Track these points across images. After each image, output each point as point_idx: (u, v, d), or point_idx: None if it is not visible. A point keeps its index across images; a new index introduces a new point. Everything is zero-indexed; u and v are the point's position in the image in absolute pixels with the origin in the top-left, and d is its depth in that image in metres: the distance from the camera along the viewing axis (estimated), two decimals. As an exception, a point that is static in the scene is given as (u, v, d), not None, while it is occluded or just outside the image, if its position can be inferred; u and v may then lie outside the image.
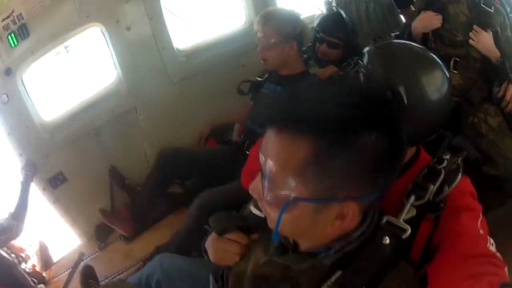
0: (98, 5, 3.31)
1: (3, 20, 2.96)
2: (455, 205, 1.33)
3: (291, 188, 1.00)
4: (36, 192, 3.40)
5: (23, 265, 3.15)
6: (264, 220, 1.19)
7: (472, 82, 2.83)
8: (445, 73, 1.45)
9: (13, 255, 3.06)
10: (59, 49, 3.70)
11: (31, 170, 3.28)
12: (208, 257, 1.51)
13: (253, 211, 1.44)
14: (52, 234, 3.84)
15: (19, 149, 3.30)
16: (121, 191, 3.66)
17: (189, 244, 2.58)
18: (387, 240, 1.09)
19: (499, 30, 2.76)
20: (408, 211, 1.26)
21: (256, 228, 1.39)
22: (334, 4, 3.96)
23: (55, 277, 3.39)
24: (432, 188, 1.33)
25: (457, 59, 2.80)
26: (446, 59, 2.73)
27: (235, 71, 3.87)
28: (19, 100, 3.18)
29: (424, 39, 2.88)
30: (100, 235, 3.57)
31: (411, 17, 3.19)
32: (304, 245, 1.18)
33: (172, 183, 3.56)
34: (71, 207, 3.58)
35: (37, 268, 3.37)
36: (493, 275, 1.08)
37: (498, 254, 1.18)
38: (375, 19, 3.77)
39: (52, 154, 3.40)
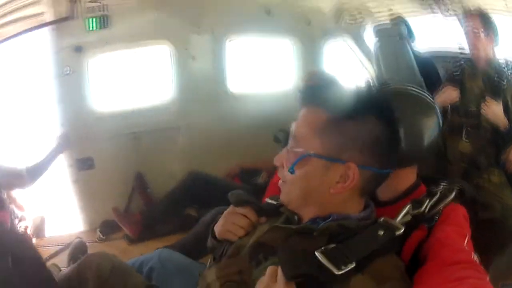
0: (175, 28, 3.64)
1: (90, 1, 3.23)
2: (447, 219, 1.45)
3: (309, 144, 1.26)
4: (60, 166, 3.52)
5: (16, 221, 3.18)
6: (275, 209, 1.46)
7: (482, 150, 2.96)
8: (433, 107, 1.65)
9: (11, 206, 3.09)
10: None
11: (65, 142, 3.43)
12: (213, 239, 1.59)
13: (267, 200, 1.57)
14: (56, 213, 3.90)
15: (62, 119, 3.48)
16: (140, 198, 3.75)
17: (195, 248, 2.56)
18: (381, 232, 1.22)
19: (509, 100, 2.90)
20: (404, 216, 1.40)
21: (267, 213, 1.50)
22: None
23: (43, 246, 3.38)
24: (427, 202, 1.49)
25: (469, 129, 2.96)
26: (459, 129, 2.99)
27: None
28: (79, 78, 3.43)
29: (444, 111, 3.00)
30: (104, 229, 3.61)
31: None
32: (307, 215, 1.32)
33: (190, 205, 3.63)
34: (88, 193, 3.68)
35: (28, 232, 3.38)
36: (476, 279, 1.14)
37: (480, 265, 1.25)
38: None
39: (89, 139, 3.58)
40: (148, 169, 3.81)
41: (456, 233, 1.37)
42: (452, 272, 1.17)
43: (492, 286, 1.14)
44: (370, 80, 1.45)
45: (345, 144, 1.24)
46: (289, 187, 1.34)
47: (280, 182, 1.38)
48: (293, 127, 1.33)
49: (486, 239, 2.22)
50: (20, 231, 3.01)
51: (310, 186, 1.28)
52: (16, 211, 3.22)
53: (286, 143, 1.46)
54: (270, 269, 1.15)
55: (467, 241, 1.36)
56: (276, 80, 4.11)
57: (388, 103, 1.33)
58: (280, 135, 3.32)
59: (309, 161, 1.26)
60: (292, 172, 1.29)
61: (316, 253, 1.14)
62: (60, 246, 3.39)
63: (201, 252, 1.64)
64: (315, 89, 1.38)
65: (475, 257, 1.28)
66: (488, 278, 1.19)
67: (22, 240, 1.80)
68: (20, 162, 3.25)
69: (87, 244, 3.35)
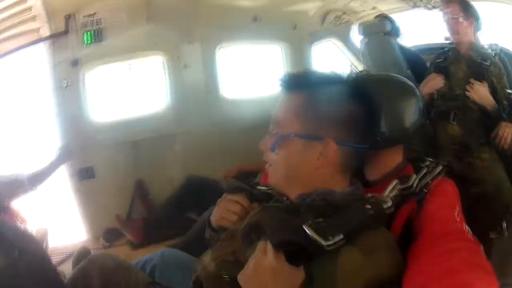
0: (166, 39, 3.78)
1: (84, 16, 3.35)
2: (435, 191, 1.50)
3: (288, 126, 1.34)
4: (62, 176, 3.60)
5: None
6: (266, 194, 1.54)
7: (470, 131, 3.00)
8: (411, 89, 1.72)
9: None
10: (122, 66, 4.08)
11: (66, 153, 3.50)
12: (211, 230, 1.66)
13: (258, 188, 1.63)
14: (59, 224, 3.96)
15: (61, 131, 3.59)
16: (142, 204, 3.84)
17: (196, 245, 2.60)
18: (369, 206, 1.25)
19: (494, 80, 2.95)
20: (391, 191, 1.40)
21: (259, 199, 1.57)
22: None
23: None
24: (415, 176, 1.53)
25: (456, 112, 3.01)
26: (447, 113, 3.04)
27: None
28: (77, 90, 3.54)
29: (431, 98, 3.07)
30: (108, 236, 3.69)
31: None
32: (293, 194, 1.38)
33: (191, 209, 3.69)
34: (89, 202, 3.77)
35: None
36: (467, 251, 1.16)
37: (471, 234, 1.27)
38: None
39: (89, 149, 3.68)
40: (147, 176, 3.91)
41: (445, 204, 1.42)
42: (442, 244, 1.20)
43: (484, 257, 1.15)
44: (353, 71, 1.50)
45: (322, 122, 1.32)
46: (274, 168, 1.40)
47: (266, 165, 1.46)
48: (274, 112, 1.41)
49: (481, 215, 2.25)
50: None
51: (293, 164, 1.35)
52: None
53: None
54: (260, 244, 1.20)
55: (458, 212, 1.38)
56: (267, 84, 4.20)
57: (361, 84, 1.43)
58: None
59: (290, 141, 1.34)
60: (273, 150, 1.37)
61: (304, 226, 1.17)
62: (65, 255, 3.45)
63: (203, 249, 1.68)
64: (293, 75, 1.44)
65: (466, 227, 1.30)
66: (481, 249, 1.20)
67: (29, 237, 1.85)
68: (21, 171, 3.28)
69: (92, 251, 3.29)
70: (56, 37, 3.44)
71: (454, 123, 3.03)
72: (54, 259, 3.20)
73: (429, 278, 1.08)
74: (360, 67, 4.47)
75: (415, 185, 1.51)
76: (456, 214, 1.36)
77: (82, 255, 2.94)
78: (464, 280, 1.04)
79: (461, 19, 2.93)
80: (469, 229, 1.29)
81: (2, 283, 1.43)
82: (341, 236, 1.13)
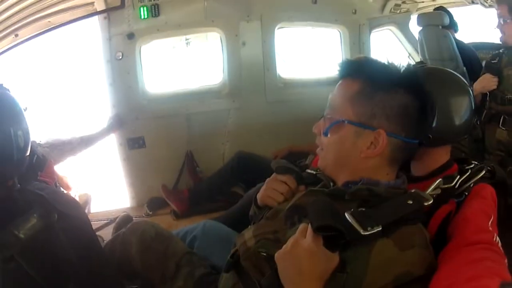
0: (224, 16, 3.80)
1: (146, -9, 3.42)
2: (475, 196, 1.50)
3: (342, 112, 1.38)
4: (111, 145, 3.74)
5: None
6: (314, 179, 1.57)
7: None
8: (466, 90, 1.71)
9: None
10: (177, 42, 4.10)
11: (117, 123, 3.63)
12: (256, 207, 1.71)
13: (307, 171, 1.67)
14: (104, 191, 4.05)
15: (114, 100, 3.70)
16: (189, 176, 3.93)
17: (239, 221, 2.56)
18: (410, 201, 1.28)
19: None
20: (434, 189, 1.46)
21: (306, 182, 1.61)
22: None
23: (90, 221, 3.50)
24: (458, 178, 1.54)
25: (506, 117, 2.95)
26: (497, 117, 2.99)
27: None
28: (132, 62, 3.63)
29: (482, 99, 3.06)
30: (152, 205, 3.78)
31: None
32: (340, 180, 1.42)
33: (238, 184, 3.75)
34: (137, 170, 3.89)
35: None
36: (492, 261, 1.16)
37: (499, 247, 1.27)
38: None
39: (142, 119, 3.77)
40: (198, 149, 3.99)
41: (482, 212, 1.41)
42: (471, 252, 1.21)
43: (507, 271, 1.14)
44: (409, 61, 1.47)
45: (375, 112, 1.33)
46: (325, 152, 1.44)
47: (318, 149, 1.49)
48: (330, 97, 1.45)
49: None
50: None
51: (343, 150, 1.38)
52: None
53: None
54: (301, 226, 1.23)
55: (492, 222, 1.37)
56: (323, 67, 4.18)
57: (418, 78, 1.41)
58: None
59: (342, 127, 1.37)
60: (326, 135, 1.41)
61: (346, 214, 1.21)
62: (106, 221, 3.54)
63: (245, 224, 1.70)
64: (351, 62, 1.46)
65: (497, 239, 1.30)
66: (505, 262, 1.20)
67: (70, 201, 1.88)
68: (74, 134, 3.39)
69: (134, 218, 3.41)
70: (111, 11, 3.52)
71: (503, 128, 2.98)
72: (95, 225, 3.25)
73: (452, 283, 1.10)
74: (416, 57, 4.43)
75: (457, 186, 1.53)
76: (490, 224, 1.36)
77: (123, 222, 3.02)
78: (483, 284, 1.06)
79: (509, 21, 2.88)
80: (499, 241, 1.30)
81: (38, 246, 1.47)
82: (380, 228, 1.17)
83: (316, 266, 1.16)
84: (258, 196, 1.67)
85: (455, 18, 4.23)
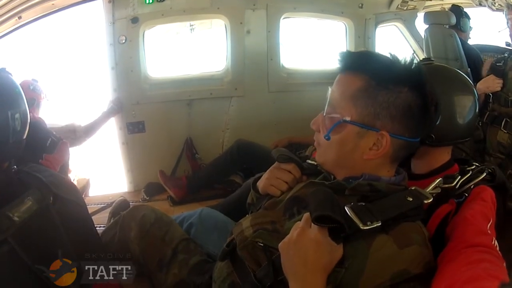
0: (230, 3, 3.78)
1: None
2: (476, 198, 1.49)
3: (344, 111, 1.32)
4: (110, 129, 3.73)
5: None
6: (315, 171, 1.56)
7: None
8: (472, 90, 1.70)
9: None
10: (181, 28, 4.07)
11: (117, 106, 3.63)
12: (256, 193, 1.69)
13: (308, 161, 1.66)
14: (101, 175, 4.03)
15: (115, 84, 3.69)
16: (188, 162, 3.92)
17: (236, 209, 2.47)
18: (410, 198, 1.27)
19: None
20: (434, 188, 1.46)
21: (308, 172, 1.60)
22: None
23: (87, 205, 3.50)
24: (459, 178, 1.54)
25: (508, 120, 2.96)
26: (499, 119, 3.00)
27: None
28: (135, 47, 3.61)
29: (486, 100, 3.07)
30: (149, 190, 3.78)
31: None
32: (340, 175, 1.40)
33: (236, 172, 3.74)
34: (136, 155, 3.89)
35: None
36: (489, 263, 1.16)
37: (498, 250, 1.27)
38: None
39: (142, 104, 3.76)
40: (197, 135, 3.99)
41: (482, 214, 1.40)
42: (470, 255, 1.21)
43: (505, 272, 1.14)
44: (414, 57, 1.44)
45: (379, 112, 1.29)
46: (324, 149, 1.40)
47: (315, 143, 1.46)
48: (329, 92, 1.39)
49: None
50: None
51: (344, 151, 1.34)
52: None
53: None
54: (306, 215, 1.23)
55: (490, 225, 1.37)
56: (326, 59, 4.16)
57: (421, 76, 1.34)
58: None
59: (344, 127, 1.32)
60: (328, 139, 1.35)
61: (346, 208, 1.20)
62: (103, 205, 3.53)
63: (242, 213, 1.68)
64: (354, 55, 1.39)
65: (495, 242, 1.29)
66: (504, 264, 1.20)
67: (67, 184, 1.86)
68: (77, 122, 3.44)
69: (130, 203, 3.37)
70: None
71: (505, 131, 2.99)
72: (92, 209, 3.30)
73: (451, 284, 1.11)
74: (421, 55, 4.41)
75: (457, 186, 1.53)
76: (488, 227, 1.35)
77: (121, 207, 3.01)
78: (483, 285, 1.06)
79: None
80: (497, 244, 1.30)
81: (33, 229, 1.45)
82: (379, 223, 1.17)
83: (322, 257, 1.16)
84: (260, 184, 1.66)
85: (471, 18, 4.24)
